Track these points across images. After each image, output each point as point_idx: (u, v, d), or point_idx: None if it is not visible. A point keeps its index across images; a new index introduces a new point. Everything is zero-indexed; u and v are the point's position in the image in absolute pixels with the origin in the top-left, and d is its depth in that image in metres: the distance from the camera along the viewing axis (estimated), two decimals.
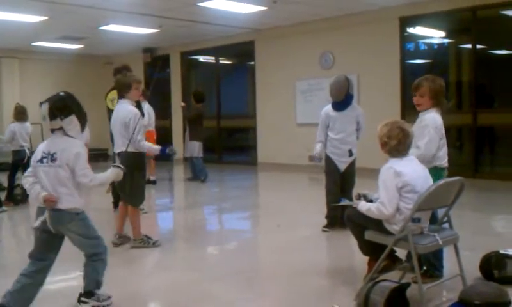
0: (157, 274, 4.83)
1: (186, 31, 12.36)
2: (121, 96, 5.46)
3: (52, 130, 3.56)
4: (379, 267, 3.81)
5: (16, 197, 8.24)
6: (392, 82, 10.49)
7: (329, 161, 6.03)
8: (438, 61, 11.88)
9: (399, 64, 10.49)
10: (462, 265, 3.78)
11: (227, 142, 14.74)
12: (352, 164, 6.06)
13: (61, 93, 3.63)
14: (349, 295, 3.63)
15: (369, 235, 3.82)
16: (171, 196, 10.12)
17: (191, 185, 10.40)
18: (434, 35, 11.44)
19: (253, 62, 13.19)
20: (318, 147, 6.06)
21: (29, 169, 3.64)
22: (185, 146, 10.98)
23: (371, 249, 3.94)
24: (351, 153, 6.00)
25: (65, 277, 4.51)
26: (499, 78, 10.81)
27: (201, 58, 15.37)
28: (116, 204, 7.01)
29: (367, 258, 4.10)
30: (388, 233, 3.69)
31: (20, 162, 8.18)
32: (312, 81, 11.78)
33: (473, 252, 4.13)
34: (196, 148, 10.34)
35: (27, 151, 8.20)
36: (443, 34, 11.37)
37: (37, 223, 3.52)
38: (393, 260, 4.00)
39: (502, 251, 4.15)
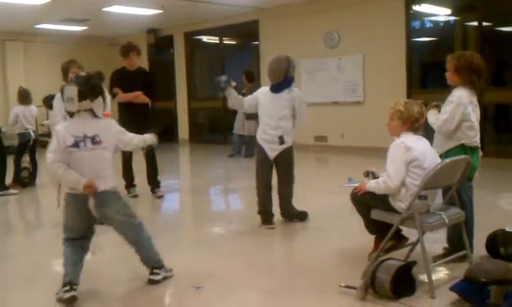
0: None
1: (189, 11, 12.28)
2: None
3: (75, 113, 3.54)
4: (385, 245, 3.84)
5: (24, 180, 8.28)
6: (398, 61, 10.43)
7: (259, 149, 5.43)
8: (443, 38, 11.79)
9: (405, 42, 10.41)
10: (468, 243, 3.81)
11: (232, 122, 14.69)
12: (285, 153, 5.40)
13: (85, 74, 3.67)
14: (355, 274, 3.65)
15: (375, 214, 3.84)
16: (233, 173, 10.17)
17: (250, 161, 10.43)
18: (440, 12, 11.33)
19: (257, 42, 13.12)
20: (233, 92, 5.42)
21: (54, 156, 3.52)
22: (236, 124, 11.11)
23: (377, 228, 3.96)
24: (282, 141, 5.34)
25: None
26: (506, 56, 10.73)
27: (205, 38, 15.29)
28: (128, 186, 7.14)
29: (372, 237, 4.12)
30: (394, 211, 3.71)
31: (25, 144, 8.22)
32: (317, 60, 11.73)
33: (479, 230, 4.14)
34: (252, 127, 10.37)
35: (32, 134, 8.25)
36: (449, 11, 11.26)
37: (94, 211, 3.54)
38: (399, 239, 4.02)
39: (508, 229, 4.16)
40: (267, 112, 5.34)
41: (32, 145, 8.32)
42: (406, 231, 4.01)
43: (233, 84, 5.51)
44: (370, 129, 10.56)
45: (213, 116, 15.36)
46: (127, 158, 6.96)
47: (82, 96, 3.49)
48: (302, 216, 5.59)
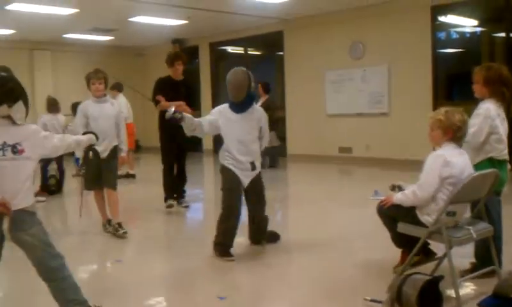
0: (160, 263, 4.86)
1: (214, 21, 12.37)
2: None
3: None
4: (411, 260, 3.78)
5: (51, 188, 8.40)
6: (424, 72, 10.33)
7: (230, 174, 4.78)
8: (470, 50, 11.64)
9: (431, 53, 10.31)
10: (496, 258, 3.74)
11: None
12: (257, 180, 4.91)
13: (2, 74, 3.22)
14: (381, 288, 3.60)
15: (402, 228, 3.79)
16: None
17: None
18: (467, 24, 11.21)
19: (281, 53, 13.13)
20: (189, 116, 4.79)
21: None
22: None
23: (404, 241, 3.91)
24: (253, 167, 4.83)
25: None
26: None
27: (230, 49, 15.37)
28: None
29: (399, 250, 4.07)
30: (421, 225, 3.65)
31: None
32: (342, 71, 11.68)
33: (508, 245, 4.06)
34: (273, 137, 10.42)
35: None
36: (475, 22, 11.14)
37: (8, 236, 3.05)
38: (426, 254, 3.96)
39: None
40: (235, 135, 4.76)
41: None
42: (432, 245, 3.96)
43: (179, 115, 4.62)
44: (395, 141, 10.48)
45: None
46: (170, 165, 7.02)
47: None
48: (274, 237, 5.29)
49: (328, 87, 11.95)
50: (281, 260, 4.87)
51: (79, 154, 3.78)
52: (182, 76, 7.05)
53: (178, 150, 7.03)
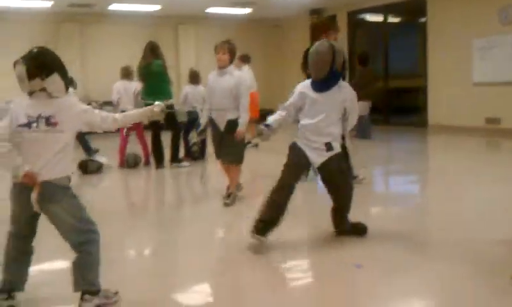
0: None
1: None
2: None
3: (31, 93, 3.05)
4: None
5: (194, 154, 8.91)
6: None
7: (296, 150, 4.27)
8: None
9: None
10: None
11: (394, 103, 14.25)
12: (332, 161, 4.21)
13: (35, 49, 3.11)
14: None
15: None
16: None
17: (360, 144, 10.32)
18: None
19: (423, 20, 12.53)
20: (275, 116, 4.38)
21: (2, 131, 3.04)
22: None
23: None
24: (329, 147, 4.19)
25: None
26: None
27: (368, 17, 14.96)
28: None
29: None
30: None
31: (193, 121, 8.81)
32: (490, 38, 10.90)
33: None
34: (362, 107, 10.15)
35: (199, 112, 8.78)
36: None
37: (35, 206, 2.99)
38: None
39: None
40: (310, 115, 4.24)
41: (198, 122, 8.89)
42: None
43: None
44: None
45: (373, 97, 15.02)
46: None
47: (31, 75, 2.99)
48: (357, 231, 4.51)
49: (474, 55, 11.20)
50: (420, 233, 4.71)
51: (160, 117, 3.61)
52: None
53: None
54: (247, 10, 14.57)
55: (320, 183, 4.38)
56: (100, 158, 8.49)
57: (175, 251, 4.53)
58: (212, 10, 14.22)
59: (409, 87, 14.04)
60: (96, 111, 3.24)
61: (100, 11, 13.57)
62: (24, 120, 2.99)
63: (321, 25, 6.53)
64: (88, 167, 8.06)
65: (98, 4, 12.91)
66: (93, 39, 14.35)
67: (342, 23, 14.66)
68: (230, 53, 5.62)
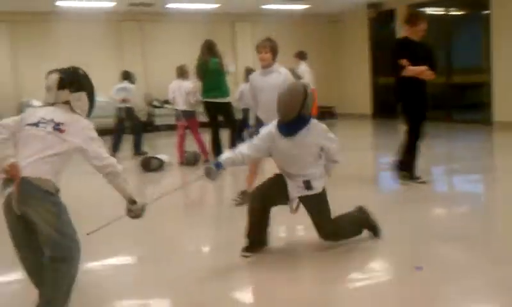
0: None
1: None
2: None
3: (54, 104, 3.08)
4: None
5: None
6: None
7: (276, 177, 4.14)
8: None
9: None
10: None
11: (457, 99, 13.79)
12: (312, 200, 4.01)
13: (72, 68, 3.18)
14: None
15: None
16: None
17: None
18: None
19: (487, 12, 12.06)
20: (230, 155, 4.03)
21: (6, 121, 3.03)
22: None
23: None
24: (308, 186, 3.96)
25: None
26: None
27: (429, 10, 14.54)
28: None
29: None
30: None
31: (247, 119, 8.87)
32: None
33: None
34: None
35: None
36: None
37: (14, 206, 2.85)
38: None
39: None
40: (283, 161, 4.04)
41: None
42: None
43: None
44: None
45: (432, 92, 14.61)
46: None
47: (61, 85, 3.05)
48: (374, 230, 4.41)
49: None
50: (484, 235, 4.55)
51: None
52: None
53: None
54: (304, 6, 14.47)
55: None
56: (162, 156, 8.64)
57: (232, 249, 4.53)
58: (268, 6, 14.20)
59: (472, 82, 13.56)
60: (101, 150, 3.07)
61: (158, 10, 13.81)
62: (34, 120, 2.99)
63: (410, 17, 6.42)
64: (150, 165, 8.21)
65: (157, 3, 13.14)
66: (152, 38, 14.62)
67: (402, 17, 14.32)
68: (272, 51, 5.47)
